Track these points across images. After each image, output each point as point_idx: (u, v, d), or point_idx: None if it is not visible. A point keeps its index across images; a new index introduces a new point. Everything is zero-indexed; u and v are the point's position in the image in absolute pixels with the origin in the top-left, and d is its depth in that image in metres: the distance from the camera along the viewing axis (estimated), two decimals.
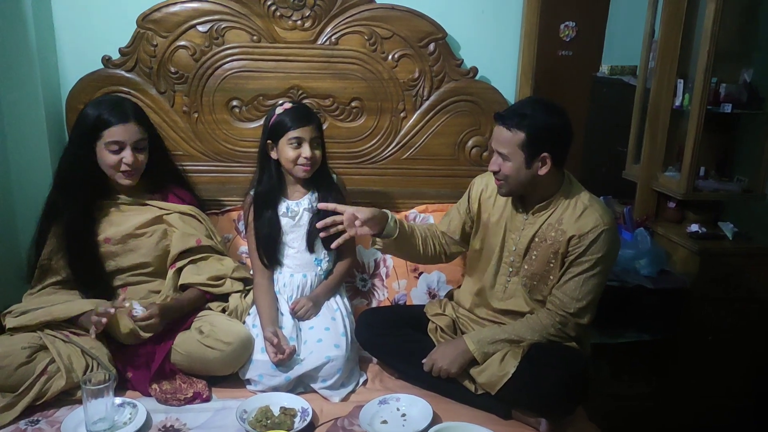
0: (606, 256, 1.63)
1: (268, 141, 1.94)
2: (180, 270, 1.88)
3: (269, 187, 1.97)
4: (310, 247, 1.97)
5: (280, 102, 1.98)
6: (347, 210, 1.67)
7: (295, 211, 1.97)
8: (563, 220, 1.66)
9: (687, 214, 2.60)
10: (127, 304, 1.69)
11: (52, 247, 1.84)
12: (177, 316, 1.79)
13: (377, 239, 1.74)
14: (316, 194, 1.99)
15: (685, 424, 2.46)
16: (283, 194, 1.99)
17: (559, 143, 1.63)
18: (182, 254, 1.89)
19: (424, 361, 1.70)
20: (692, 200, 2.53)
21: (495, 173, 1.68)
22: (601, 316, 2.05)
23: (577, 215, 1.65)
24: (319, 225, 1.72)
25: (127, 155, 1.79)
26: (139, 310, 1.67)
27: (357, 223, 1.66)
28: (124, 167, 1.79)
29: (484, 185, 1.83)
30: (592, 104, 3.92)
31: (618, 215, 2.68)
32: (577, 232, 1.63)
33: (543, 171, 1.63)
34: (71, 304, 1.76)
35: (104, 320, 1.64)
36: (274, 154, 1.94)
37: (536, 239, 1.70)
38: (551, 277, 1.69)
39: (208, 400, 1.71)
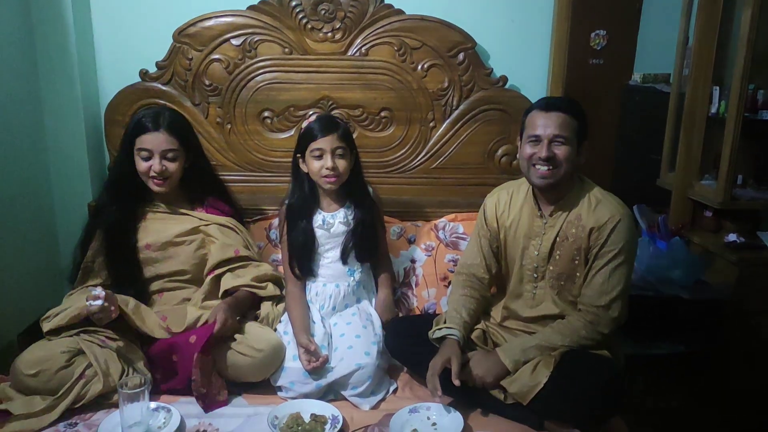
0: (627, 245, 1.65)
1: (298, 155, 1.96)
2: (218, 277, 1.91)
3: (303, 199, 1.97)
4: (344, 260, 1.98)
5: (308, 114, 2.00)
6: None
7: (330, 223, 1.97)
8: (581, 215, 1.69)
9: (724, 224, 2.55)
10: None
11: (95, 249, 1.90)
12: (238, 315, 1.83)
13: None
14: (351, 207, 1.99)
15: None
16: (318, 206, 1.99)
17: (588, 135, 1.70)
18: (220, 264, 1.92)
19: (458, 376, 1.63)
20: (730, 209, 2.48)
21: (548, 160, 1.65)
22: (636, 325, 2.00)
23: (593, 208, 1.68)
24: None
25: (155, 163, 1.83)
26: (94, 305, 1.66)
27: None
28: (152, 174, 1.84)
29: (495, 201, 1.84)
30: (624, 112, 3.86)
31: (653, 223, 2.63)
32: (596, 224, 1.66)
33: (583, 160, 1.69)
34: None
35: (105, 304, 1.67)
36: (304, 168, 1.95)
37: (558, 239, 1.71)
38: (578, 275, 1.70)
39: (225, 404, 1.72)
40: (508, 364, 1.65)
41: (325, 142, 1.87)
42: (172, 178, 1.88)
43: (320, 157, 1.88)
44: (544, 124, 1.66)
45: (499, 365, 1.65)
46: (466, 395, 1.71)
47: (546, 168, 1.66)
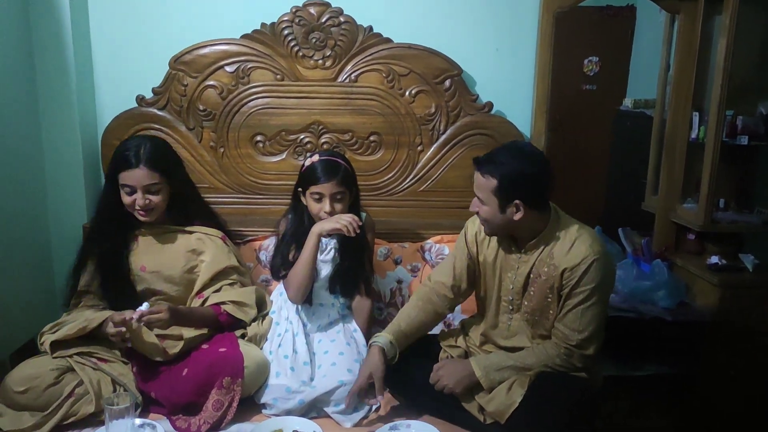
0: (600, 285, 1.64)
1: (299, 188, 1.99)
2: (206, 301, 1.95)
3: (301, 233, 1.97)
4: (331, 289, 2.02)
5: (310, 154, 2.00)
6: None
7: (323, 249, 2.00)
8: (554, 254, 1.68)
9: (707, 246, 2.58)
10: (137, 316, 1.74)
11: (90, 275, 1.95)
12: (187, 325, 1.86)
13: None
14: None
15: None
16: None
17: (531, 191, 1.65)
18: (207, 284, 1.96)
19: (432, 375, 1.74)
20: (712, 232, 2.52)
21: (477, 214, 1.73)
22: (619, 348, 2.03)
23: (567, 248, 1.66)
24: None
25: (138, 198, 1.86)
26: (144, 306, 1.75)
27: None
28: (137, 208, 1.88)
29: (477, 228, 1.84)
30: (615, 137, 3.93)
31: (637, 246, 2.68)
32: (569, 265, 1.64)
33: (517, 216, 1.65)
34: (104, 312, 1.84)
35: (123, 329, 1.72)
36: (304, 201, 1.98)
37: (531, 276, 1.73)
38: (551, 311, 1.71)
39: None
40: (480, 376, 1.68)
41: (325, 188, 1.90)
42: (156, 209, 1.91)
43: (319, 200, 1.92)
44: (474, 181, 1.72)
45: (470, 377, 1.70)
46: (444, 413, 1.75)
47: (480, 221, 1.75)
